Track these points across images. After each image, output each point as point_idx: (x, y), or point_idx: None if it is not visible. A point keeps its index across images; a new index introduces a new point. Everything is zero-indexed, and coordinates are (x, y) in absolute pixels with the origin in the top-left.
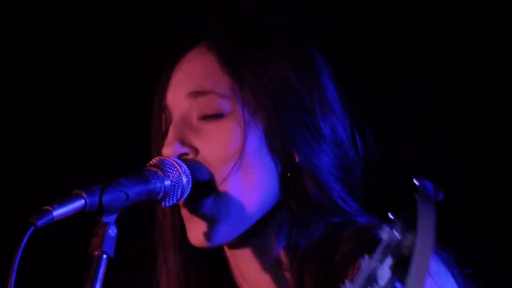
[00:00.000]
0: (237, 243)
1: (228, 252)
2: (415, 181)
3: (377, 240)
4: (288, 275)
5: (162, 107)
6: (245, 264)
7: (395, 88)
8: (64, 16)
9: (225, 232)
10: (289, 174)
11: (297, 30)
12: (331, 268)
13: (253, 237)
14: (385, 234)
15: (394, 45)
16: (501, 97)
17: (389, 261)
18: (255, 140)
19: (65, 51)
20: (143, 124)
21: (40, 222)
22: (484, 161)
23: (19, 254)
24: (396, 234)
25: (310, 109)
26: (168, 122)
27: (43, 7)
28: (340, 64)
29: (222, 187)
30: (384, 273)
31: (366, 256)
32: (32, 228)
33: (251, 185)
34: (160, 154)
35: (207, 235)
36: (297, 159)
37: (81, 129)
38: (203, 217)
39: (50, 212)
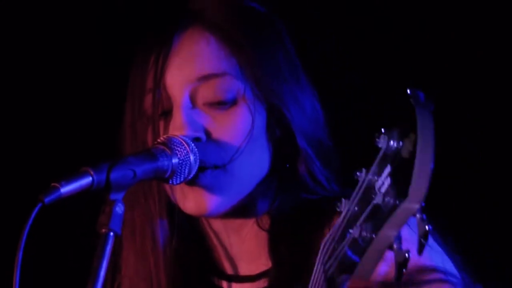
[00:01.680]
0: (221, 216)
1: (209, 225)
2: (408, 90)
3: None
4: (266, 240)
5: (158, 88)
6: (227, 238)
7: (396, 88)
8: (63, 15)
9: (224, 203)
10: (288, 153)
11: (275, 16)
12: (305, 236)
13: (238, 210)
14: (382, 143)
15: (394, 45)
16: (501, 97)
17: (387, 170)
18: (259, 122)
19: (65, 51)
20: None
21: (47, 199)
22: (483, 161)
23: (27, 231)
24: (393, 142)
25: (298, 88)
26: (168, 103)
27: (43, 7)
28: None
29: (229, 166)
30: (384, 182)
31: (363, 169)
32: (39, 205)
33: (252, 162)
34: (154, 135)
35: (205, 204)
36: (294, 138)
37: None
38: (203, 186)
39: (58, 189)
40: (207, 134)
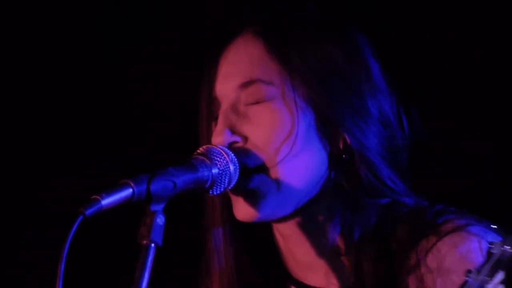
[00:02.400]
0: (288, 225)
1: (279, 236)
2: None
3: (433, 223)
4: (344, 260)
5: (211, 98)
6: (297, 247)
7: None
8: (64, 14)
9: (272, 209)
10: (344, 156)
11: (339, 13)
12: (389, 255)
13: (305, 220)
14: (496, 248)
15: (394, 45)
16: (501, 97)
17: (499, 276)
18: (305, 124)
19: (70, 49)
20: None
21: (88, 212)
22: (482, 160)
23: (68, 243)
24: (508, 248)
25: (357, 90)
26: (217, 112)
27: (42, 7)
28: None
29: (272, 169)
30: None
31: (473, 271)
32: (81, 217)
33: (300, 167)
34: (210, 143)
35: (254, 210)
36: (347, 141)
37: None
38: (250, 192)
39: (99, 201)
40: (246, 136)
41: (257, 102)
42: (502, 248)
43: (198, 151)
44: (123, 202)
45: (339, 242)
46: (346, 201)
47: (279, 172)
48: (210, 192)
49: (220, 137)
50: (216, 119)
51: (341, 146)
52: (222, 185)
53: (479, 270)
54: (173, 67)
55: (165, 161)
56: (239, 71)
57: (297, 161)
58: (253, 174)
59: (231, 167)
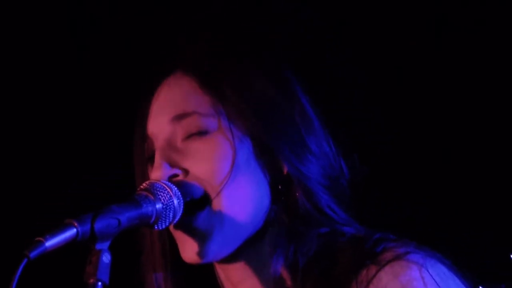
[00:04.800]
0: (231, 258)
1: (220, 269)
2: None
3: (373, 252)
4: None
5: (144, 137)
6: (240, 282)
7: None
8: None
9: (219, 247)
10: (279, 186)
11: (271, 49)
12: (333, 283)
13: (247, 252)
14: None
15: (393, 47)
16: (501, 98)
17: None
18: (244, 153)
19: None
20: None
21: (32, 254)
22: (483, 166)
23: (14, 286)
24: None
25: (292, 122)
26: (151, 150)
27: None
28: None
29: (214, 202)
30: None
31: None
32: (25, 260)
33: (243, 198)
34: (145, 180)
35: (201, 251)
36: (285, 170)
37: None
38: (196, 232)
39: (43, 243)
40: (187, 169)
41: (194, 135)
42: None
43: (142, 186)
44: (67, 242)
45: (283, 274)
46: (287, 232)
47: (222, 204)
48: (155, 227)
49: (159, 171)
50: (151, 159)
51: (280, 175)
52: (167, 220)
53: None
54: None
55: None
56: (172, 105)
57: (240, 192)
58: (196, 210)
59: (175, 201)
